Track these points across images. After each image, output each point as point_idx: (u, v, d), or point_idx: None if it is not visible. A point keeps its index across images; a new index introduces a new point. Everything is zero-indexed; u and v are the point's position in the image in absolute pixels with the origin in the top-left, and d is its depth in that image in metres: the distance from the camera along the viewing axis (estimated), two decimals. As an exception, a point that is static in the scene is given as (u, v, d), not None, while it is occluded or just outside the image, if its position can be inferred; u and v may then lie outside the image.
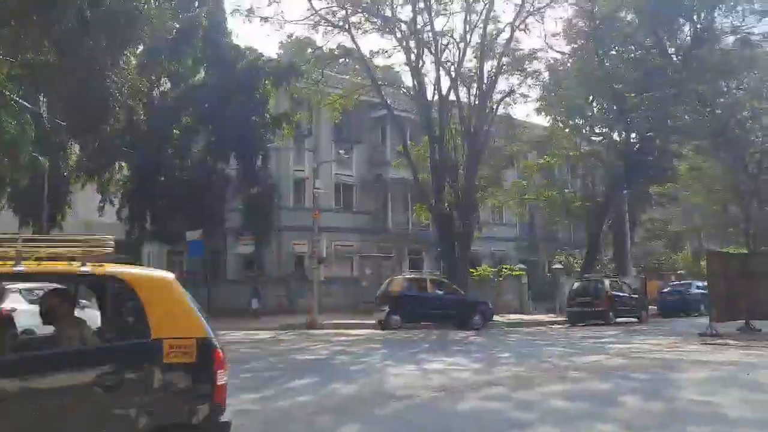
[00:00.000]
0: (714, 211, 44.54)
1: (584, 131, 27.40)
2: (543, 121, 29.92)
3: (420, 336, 17.58)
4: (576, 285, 23.77)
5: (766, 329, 16.09)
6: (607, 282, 22.94)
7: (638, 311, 23.30)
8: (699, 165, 43.56)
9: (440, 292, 20.27)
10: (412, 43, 23.34)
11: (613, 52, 28.85)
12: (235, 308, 24.77)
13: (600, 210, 26.52)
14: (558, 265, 30.56)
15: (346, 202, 34.29)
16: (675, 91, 24.99)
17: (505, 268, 30.19)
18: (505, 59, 24.63)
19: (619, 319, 23.38)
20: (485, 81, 23.53)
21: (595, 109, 27.43)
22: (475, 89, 23.62)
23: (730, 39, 34.85)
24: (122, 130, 24.52)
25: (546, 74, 28.18)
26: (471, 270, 30.43)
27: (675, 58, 33.22)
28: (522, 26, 25.43)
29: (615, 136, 26.60)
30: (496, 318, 23.43)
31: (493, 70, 23.81)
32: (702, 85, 33.75)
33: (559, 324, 23.60)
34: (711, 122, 36.77)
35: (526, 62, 24.57)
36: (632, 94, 25.40)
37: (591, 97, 25.76)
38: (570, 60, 28.64)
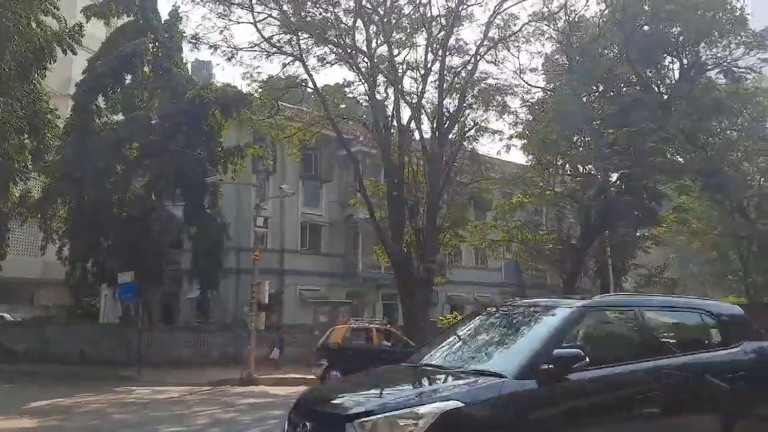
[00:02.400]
0: (710, 258, 42.21)
1: (560, 170, 25.43)
2: (518, 158, 28.10)
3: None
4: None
5: None
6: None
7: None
8: (690, 206, 41.68)
9: (388, 344, 17.97)
10: (365, 70, 21.65)
11: (594, 87, 27.19)
12: (173, 357, 22.56)
13: (575, 253, 24.32)
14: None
15: (314, 243, 32.25)
16: (655, 126, 23.00)
17: (477, 316, 27.72)
18: (473, 92, 22.98)
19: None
20: (446, 113, 21.73)
21: (574, 146, 25.52)
22: (435, 122, 21.80)
23: (721, 79, 33.47)
24: (62, 164, 23.08)
25: (522, 110, 26.51)
26: (441, 317, 28.13)
27: (662, 95, 31.78)
28: (492, 58, 23.94)
29: (594, 174, 24.64)
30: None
31: (455, 103, 22.03)
32: (690, 123, 32.26)
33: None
34: (702, 162, 35.10)
35: (496, 96, 22.74)
36: (611, 130, 23.54)
37: (567, 134, 23.89)
38: (551, 96, 27.08)
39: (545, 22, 25.79)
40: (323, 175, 32.13)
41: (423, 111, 22.65)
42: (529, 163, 26.21)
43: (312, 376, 17.79)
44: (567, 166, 25.50)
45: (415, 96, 22.51)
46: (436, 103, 21.94)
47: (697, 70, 31.60)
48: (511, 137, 24.52)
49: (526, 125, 26.27)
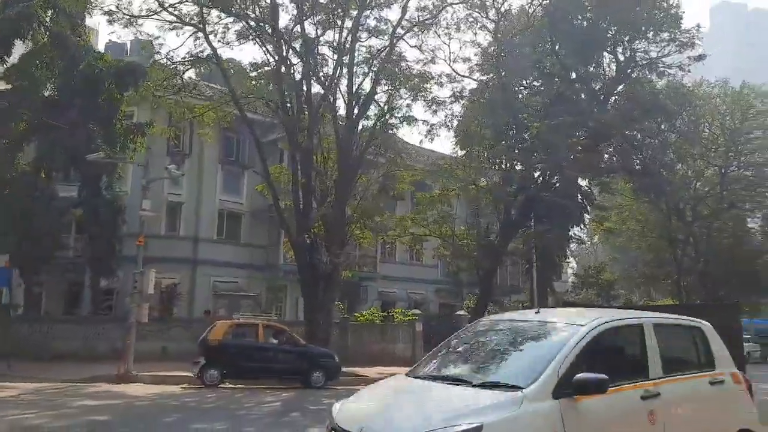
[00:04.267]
0: (646, 260, 42.13)
1: (485, 163, 24.42)
2: (445, 149, 26.86)
3: (225, 398, 13.77)
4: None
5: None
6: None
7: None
8: (626, 206, 41.53)
9: (275, 342, 16.55)
10: (273, 46, 20.14)
11: (523, 80, 26.31)
12: (58, 351, 20.67)
13: (493, 251, 23.34)
14: (462, 312, 27.11)
15: (233, 232, 30.51)
16: (572, 119, 22.16)
17: (397, 313, 26.59)
18: (398, 76, 21.68)
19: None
20: (360, 96, 20.41)
21: (502, 139, 24.56)
22: (347, 106, 20.44)
23: (660, 80, 33.16)
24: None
25: (449, 99, 25.36)
26: (356, 315, 26.87)
27: (598, 92, 31.24)
28: (417, 42, 22.73)
29: (517, 168, 23.72)
30: (366, 372, 19.95)
31: (366, 85, 20.76)
32: (627, 122, 31.85)
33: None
34: (638, 163, 34.82)
35: (415, 80, 21.48)
36: (536, 123, 22.63)
37: (494, 126, 22.89)
38: (487, 88, 26.08)
39: (476, 10, 24.74)
40: (246, 161, 30.42)
41: (341, 94, 21.35)
42: (454, 153, 25.07)
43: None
44: (492, 159, 24.51)
45: (336, 78, 21.19)
46: (354, 85, 20.60)
47: (632, 68, 31.17)
48: (432, 127, 23.29)
49: (455, 116, 25.28)
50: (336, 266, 19.87)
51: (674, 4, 28.98)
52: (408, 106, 22.60)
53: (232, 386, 16.09)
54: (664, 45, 28.39)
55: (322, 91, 20.84)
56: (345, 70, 20.76)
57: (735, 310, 13.13)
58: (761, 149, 41.81)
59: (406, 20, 20.78)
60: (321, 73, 21.02)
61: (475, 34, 26.24)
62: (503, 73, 26.02)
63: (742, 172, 42.53)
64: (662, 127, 35.02)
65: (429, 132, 23.23)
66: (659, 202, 36.99)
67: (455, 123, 24.21)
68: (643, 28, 29.18)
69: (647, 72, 31.39)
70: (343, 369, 19.57)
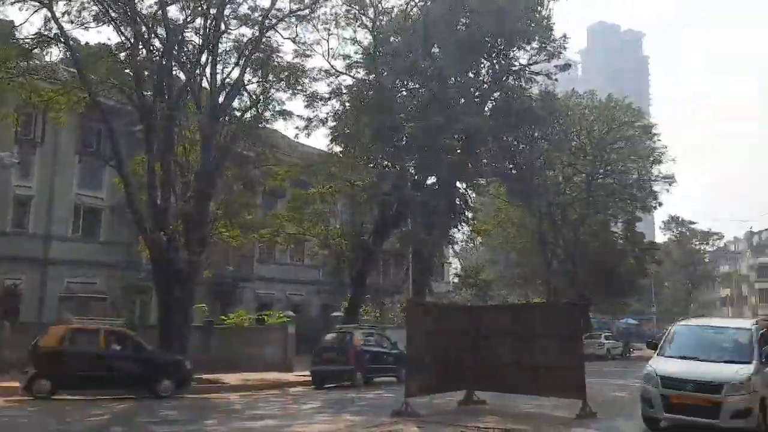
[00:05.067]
0: (519, 262, 43.94)
1: (362, 161, 24.07)
2: (324, 146, 26.18)
3: (47, 411, 12.28)
4: (326, 337, 19.85)
5: (495, 400, 12.93)
6: (358, 334, 19.15)
7: (398, 370, 19.46)
8: (504, 209, 43.19)
9: (118, 348, 15.16)
10: (130, 30, 18.62)
11: (400, 81, 26.23)
12: None
13: (366, 250, 23.07)
14: (338, 313, 26.62)
15: (90, 229, 28.11)
16: (442, 121, 22.34)
17: (268, 316, 25.63)
18: (268, 67, 20.74)
19: (377, 380, 19.80)
20: (224, 86, 19.35)
21: (378, 139, 24.29)
22: (211, 94, 19.30)
23: (535, 88, 34.58)
24: None
25: (325, 93, 24.82)
26: (223, 317, 25.64)
27: (475, 96, 32.00)
28: (290, 34, 21.92)
29: (394, 168, 23.58)
30: (229, 378, 18.91)
31: (235, 75, 19.71)
32: (504, 127, 32.92)
33: (303, 385, 19.40)
34: (513, 167, 36.17)
35: (285, 73, 20.69)
36: (410, 124, 22.59)
37: (372, 125, 22.60)
38: (365, 86, 25.73)
39: (355, 6, 24.38)
40: (108, 152, 28.09)
41: (207, 83, 20.08)
42: (330, 150, 24.50)
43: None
44: (368, 158, 24.22)
45: (201, 66, 19.92)
46: (219, 74, 19.48)
47: (507, 75, 32.25)
48: (310, 122, 22.59)
49: (334, 113, 24.76)
50: (195, 266, 18.65)
51: (546, 16, 30.28)
52: (288, 99, 21.85)
53: (67, 398, 14.52)
54: (534, 53, 29.49)
55: (185, 79, 19.54)
56: (211, 58, 19.60)
57: (573, 309, 13.34)
58: (623, 159, 45.00)
59: (278, 9, 19.92)
60: (184, 60, 19.67)
61: (355, 31, 25.63)
62: (384, 73, 25.89)
63: (607, 179, 45.51)
64: (535, 134, 36.68)
65: (306, 127, 22.53)
66: (531, 206, 38.65)
67: (331, 120, 23.72)
68: (518, 37, 30.24)
69: (522, 81, 32.55)
70: (205, 376, 18.43)
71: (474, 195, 31.56)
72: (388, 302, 39.21)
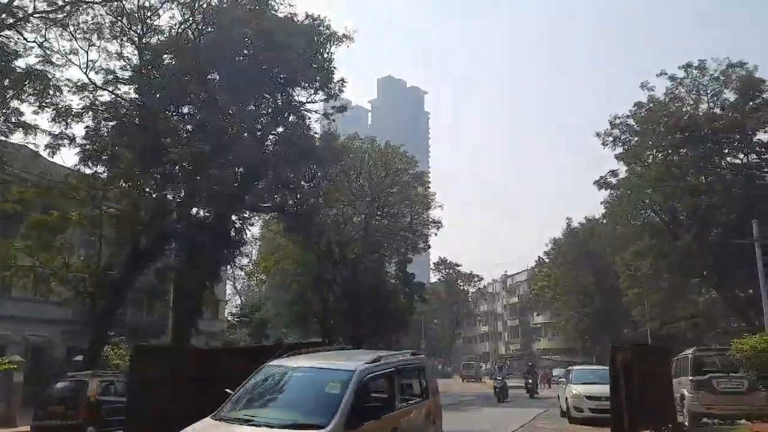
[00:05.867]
0: (294, 300, 43.55)
1: (115, 186, 21.71)
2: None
3: None
4: (56, 386, 17.06)
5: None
6: (94, 383, 16.72)
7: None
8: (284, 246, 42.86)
9: None
10: None
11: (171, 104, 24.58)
12: None
13: (113, 285, 20.73)
14: (79, 357, 23.31)
15: None
16: (208, 148, 21.35)
17: (-12, 362, 21.44)
18: None
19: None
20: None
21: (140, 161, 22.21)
22: None
23: (317, 131, 35.21)
24: None
25: (82, 113, 22.12)
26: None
27: (257, 131, 31.50)
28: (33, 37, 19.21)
29: (153, 195, 21.68)
30: None
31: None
32: (284, 163, 32.79)
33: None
34: (292, 204, 36.11)
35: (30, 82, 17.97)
36: (175, 150, 21.07)
37: (127, 145, 20.57)
38: (125, 104, 23.40)
39: (119, 18, 22.36)
40: None
41: None
42: (76, 170, 21.69)
43: None
44: (125, 182, 21.98)
45: None
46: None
47: (289, 112, 32.39)
48: (57, 138, 19.79)
49: (89, 131, 22.10)
50: None
51: (327, 59, 31.11)
52: (35, 113, 18.85)
53: None
54: (312, 92, 30.11)
55: None
56: None
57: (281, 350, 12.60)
58: (398, 202, 47.77)
59: (18, 7, 17.31)
60: None
61: (122, 46, 23.43)
62: (157, 94, 24.03)
63: (383, 221, 47.81)
64: (318, 173, 37.21)
65: (50, 145, 19.70)
66: (310, 243, 38.78)
67: (83, 138, 21.14)
68: (300, 76, 30.60)
69: (303, 119, 32.88)
70: None
71: (253, 229, 30.48)
72: (153, 343, 35.92)
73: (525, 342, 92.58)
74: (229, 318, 47.84)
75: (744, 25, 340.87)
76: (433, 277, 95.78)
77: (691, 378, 16.51)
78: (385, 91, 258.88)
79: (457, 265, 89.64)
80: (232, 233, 32.60)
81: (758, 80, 32.04)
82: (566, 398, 19.62)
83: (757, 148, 33.31)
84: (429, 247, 52.99)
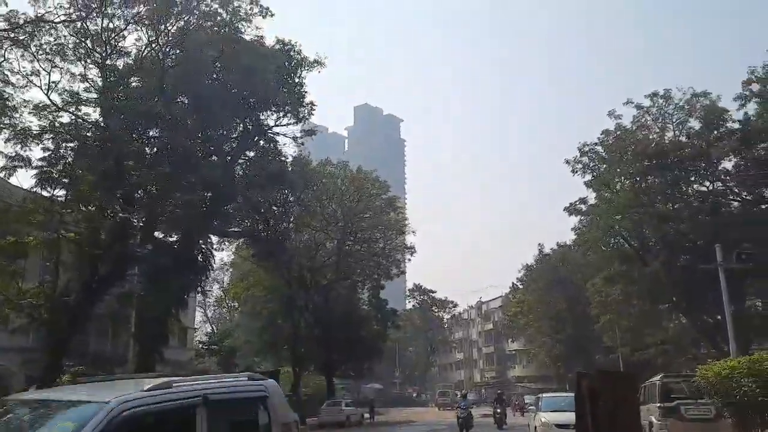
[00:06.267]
0: (266, 326, 42.67)
1: (73, 210, 21.08)
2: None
3: None
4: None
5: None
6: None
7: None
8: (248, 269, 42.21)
9: None
10: None
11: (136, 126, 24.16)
12: None
13: (69, 311, 19.98)
14: (33, 388, 22.26)
15: None
16: (169, 170, 20.94)
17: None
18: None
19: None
20: None
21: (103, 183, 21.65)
22: None
23: (289, 156, 35.04)
24: None
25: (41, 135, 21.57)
26: None
27: (227, 155, 31.21)
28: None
29: (112, 216, 21.06)
30: None
31: None
32: (253, 188, 32.46)
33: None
34: (262, 229, 35.63)
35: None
36: (138, 173, 20.61)
37: (87, 167, 20.07)
38: (85, 125, 22.86)
39: (83, 39, 22.01)
40: None
41: None
42: (33, 192, 21.05)
43: None
44: (92, 206, 21.39)
45: None
46: None
47: (259, 136, 32.16)
48: (12, 160, 19.20)
49: (48, 153, 21.52)
50: None
51: (299, 83, 31.06)
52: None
53: None
54: (282, 116, 30.03)
55: None
56: None
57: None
58: (371, 228, 47.49)
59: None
60: None
61: (86, 68, 23.03)
62: (122, 116, 23.60)
63: (356, 246, 47.42)
64: (290, 198, 36.88)
65: (5, 168, 19.08)
66: (281, 269, 38.19)
67: (40, 160, 20.57)
68: (270, 100, 30.48)
69: (273, 144, 32.65)
70: None
71: (225, 255, 29.92)
72: (119, 372, 34.78)
73: (500, 369, 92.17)
74: (199, 346, 46.67)
75: (705, 56, 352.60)
76: (409, 304, 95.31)
77: (659, 405, 16.38)
78: (361, 118, 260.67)
79: (432, 292, 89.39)
80: (200, 258, 32.02)
81: (721, 109, 32.76)
82: (535, 426, 19.31)
83: (722, 176, 33.91)
84: (402, 272, 52.73)
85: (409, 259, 51.33)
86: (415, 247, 50.38)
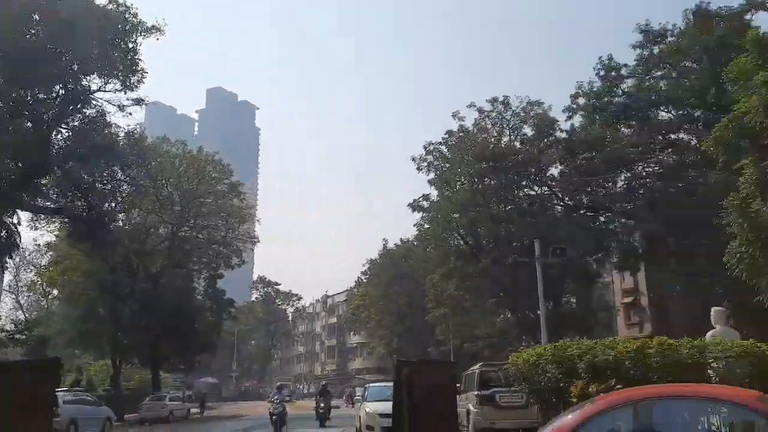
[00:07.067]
0: (81, 316, 38.52)
1: None
2: None
3: None
4: None
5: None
6: None
7: None
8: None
9: None
10: None
11: None
12: None
13: None
14: None
15: None
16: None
17: None
18: None
19: None
20: None
21: None
22: None
23: (121, 130, 31.94)
24: None
25: None
26: None
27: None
28: None
29: None
30: None
31: None
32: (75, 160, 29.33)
33: None
34: (83, 207, 32.08)
35: None
36: None
37: None
38: None
39: None
40: None
41: None
42: None
43: None
44: None
45: None
46: None
47: (82, 102, 28.90)
48: None
49: None
50: None
51: (133, 49, 28.29)
52: None
53: None
54: (107, 81, 27.30)
55: None
56: None
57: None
58: (212, 214, 45.02)
59: None
60: None
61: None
62: None
63: (193, 232, 44.66)
64: (119, 175, 33.52)
65: None
66: (102, 252, 34.64)
67: None
68: (97, 64, 27.50)
69: (102, 114, 29.56)
70: None
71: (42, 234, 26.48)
72: None
73: (341, 362, 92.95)
74: (1, 334, 41.10)
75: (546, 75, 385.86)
76: (254, 296, 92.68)
77: (476, 393, 16.82)
78: (214, 102, 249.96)
79: (276, 284, 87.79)
80: (3, 235, 28.31)
81: (552, 119, 35.19)
82: (359, 417, 19.09)
83: (549, 182, 36.50)
84: (244, 262, 50.71)
85: (252, 249, 49.59)
86: (259, 237, 48.87)
